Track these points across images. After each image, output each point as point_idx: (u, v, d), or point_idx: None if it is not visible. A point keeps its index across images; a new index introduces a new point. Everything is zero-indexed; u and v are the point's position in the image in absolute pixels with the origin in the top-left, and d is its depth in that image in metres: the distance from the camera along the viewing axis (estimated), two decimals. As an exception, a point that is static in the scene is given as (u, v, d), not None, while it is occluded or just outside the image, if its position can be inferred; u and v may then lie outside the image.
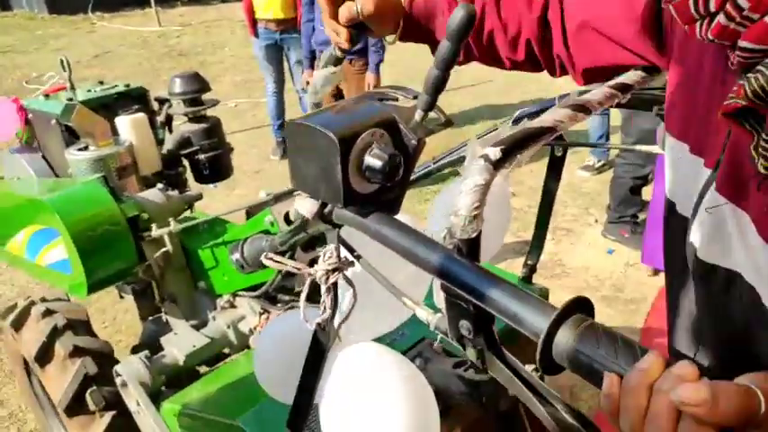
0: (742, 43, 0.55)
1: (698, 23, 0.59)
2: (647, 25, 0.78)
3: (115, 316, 2.85)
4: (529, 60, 0.93)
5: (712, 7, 0.56)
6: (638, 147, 1.27)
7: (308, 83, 3.88)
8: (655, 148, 1.13)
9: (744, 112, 0.56)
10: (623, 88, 0.81)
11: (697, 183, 0.70)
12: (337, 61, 0.96)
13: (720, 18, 0.56)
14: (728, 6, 0.54)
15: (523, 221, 3.38)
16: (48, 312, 1.68)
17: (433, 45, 0.94)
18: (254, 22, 4.27)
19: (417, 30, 0.94)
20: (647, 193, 3.17)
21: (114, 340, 2.66)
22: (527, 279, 1.55)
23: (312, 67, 3.80)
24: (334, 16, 0.89)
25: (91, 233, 1.43)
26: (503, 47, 0.92)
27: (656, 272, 2.92)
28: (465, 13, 0.62)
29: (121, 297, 2.09)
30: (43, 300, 1.76)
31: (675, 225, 0.77)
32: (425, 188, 3.74)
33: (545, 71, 0.97)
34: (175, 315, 1.76)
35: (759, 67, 0.54)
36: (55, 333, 1.62)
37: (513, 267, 2.60)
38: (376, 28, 0.91)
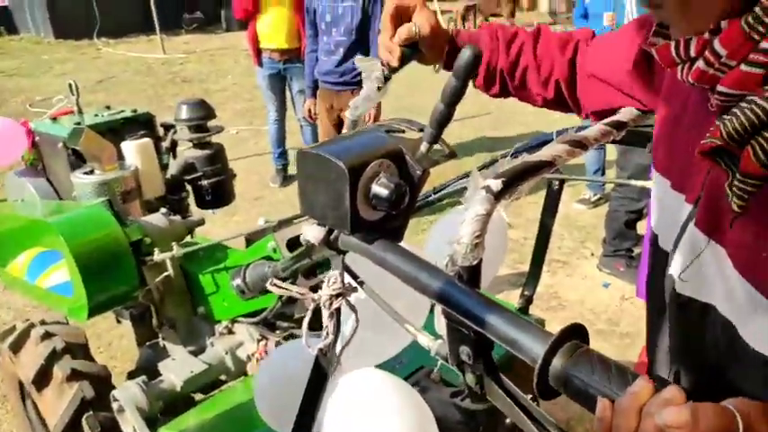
0: (720, 88, 0.59)
1: (679, 67, 0.63)
2: (639, 68, 0.84)
3: (111, 342, 2.84)
4: (558, 99, 1.00)
5: (693, 52, 0.61)
6: (632, 181, 1.31)
7: (309, 111, 3.95)
8: (649, 183, 1.16)
9: (720, 151, 0.59)
10: (618, 126, 0.85)
11: (678, 217, 0.73)
12: (384, 80, 1.00)
13: (700, 63, 0.60)
14: (707, 53, 0.59)
15: (520, 253, 3.40)
16: (47, 335, 1.68)
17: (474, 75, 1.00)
18: (258, 52, 4.35)
19: None
20: (642, 227, 3.21)
21: (109, 366, 2.64)
22: (524, 310, 1.57)
23: (314, 96, 3.86)
24: (392, 36, 0.96)
25: (94, 256, 1.45)
26: (534, 84, 0.99)
27: (651, 306, 2.93)
28: (471, 53, 0.66)
29: (119, 322, 2.09)
30: (42, 322, 1.76)
31: (658, 257, 0.80)
32: (423, 218, 3.76)
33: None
34: (173, 340, 1.76)
35: (734, 110, 0.57)
36: (53, 356, 1.62)
37: (510, 299, 2.61)
38: (427, 52, 0.98)
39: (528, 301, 1.56)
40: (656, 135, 0.81)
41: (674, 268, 0.74)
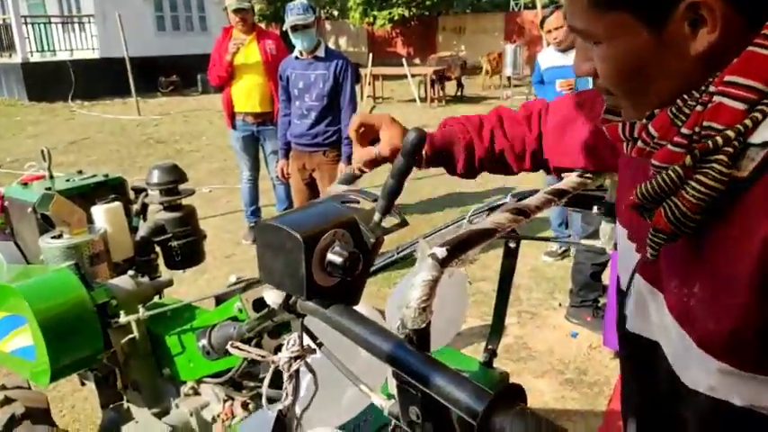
0: (653, 161, 0.68)
1: (624, 144, 0.74)
2: (600, 136, 0.93)
3: (74, 404, 2.75)
4: (534, 167, 1.10)
5: (635, 134, 0.72)
6: (583, 241, 1.38)
7: (282, 171, 4.03)
8: (599, 243, 1.23)
9: (644, 208, 0.69)
10: (559, 194, 0.92)
11: (630, 264, 0.83)
12: (354, 179, 1.07)
13: (639, 142, 0.71)
14: (644, 134, 0.70)
15: (489, 305, 3.42)
16: (6, 401, 1.64)
17: (452, 168, 1.09)
18: (232, 116, 4.46)
19: (438, 158, 1.08)
20: (606, 278, 3.30)
21: (72, 429, 2.56)
22: (488, 363, 1.59)
23: (287, 157, 3.95)
24: (361, 147, 1.05)
25: (59, 320, 1.44)
26: (513, 161, 1.09)
27: (616, 355, 2.98)
28: (417, 134, 0.73)
29: (83, 384, 2.05)
30: (2, 387, 1.73)
31: (620, 299, 0.89)
32: (395, 272, 3.80)
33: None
34: (137, 403, 1.73)
35: (654, 175, 0.67)
36: (12, 422, 1.58)
37: (480, 350, 2.64)
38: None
39: (492, 354, 1.59)
40: (618, 192, 0.93)
41: (627, 308, 0.84)
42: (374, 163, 1.04)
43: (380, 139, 1.03)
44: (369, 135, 1.04)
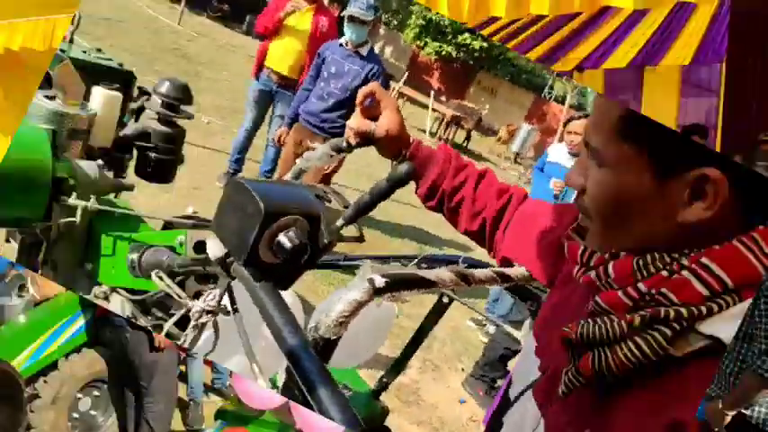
0: (597, 299, 0.70)
1: (577, 267, 0.75)
2: (552, 249, 0.96)
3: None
4: (478, 234, 1.12)
5: (592, 263, 0.73)
6: (506, 326, 1.44)
7: (279, 137, 4.05)
8: (518, 334, 1.30)
9: (572, 343, 0.70)
10: (503, 277, 0.98)
11: (530, 377, 0.84)
12: (340, 150, 1.08)
13: (592, 273, 0.72)
14: (600, 269, 0.71)
15: (404, 339, 3.49)
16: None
17: (418, 185, 1.11)
18: (260, 67, 4.47)
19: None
20: (512, 364, 3.41)
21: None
22: (377, 394, 1.64)
23: (290, 126, 3.98)
24: (360, 117, 1.06)
25: (13, 172, 1.45)
26: (465, 213, 1.10)
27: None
28: (408, 168, 0.78)
29: (8, 241, 2.03)
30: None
31: (505, 401, 0.90)
32: (335, 274, 3.84)
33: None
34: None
35: (596, 318, 0.68)
36: None
37: (375, 377, 2.70)
38: (381, 150, 1.08)
39: (383, 387, 1.63)
40: (544, 305, 0.94)
41: (508, 417, 0.85)
42: (365, 136, 1.04)
43: (379, 120, 1.03)
44: (371, 110, 1.04)
